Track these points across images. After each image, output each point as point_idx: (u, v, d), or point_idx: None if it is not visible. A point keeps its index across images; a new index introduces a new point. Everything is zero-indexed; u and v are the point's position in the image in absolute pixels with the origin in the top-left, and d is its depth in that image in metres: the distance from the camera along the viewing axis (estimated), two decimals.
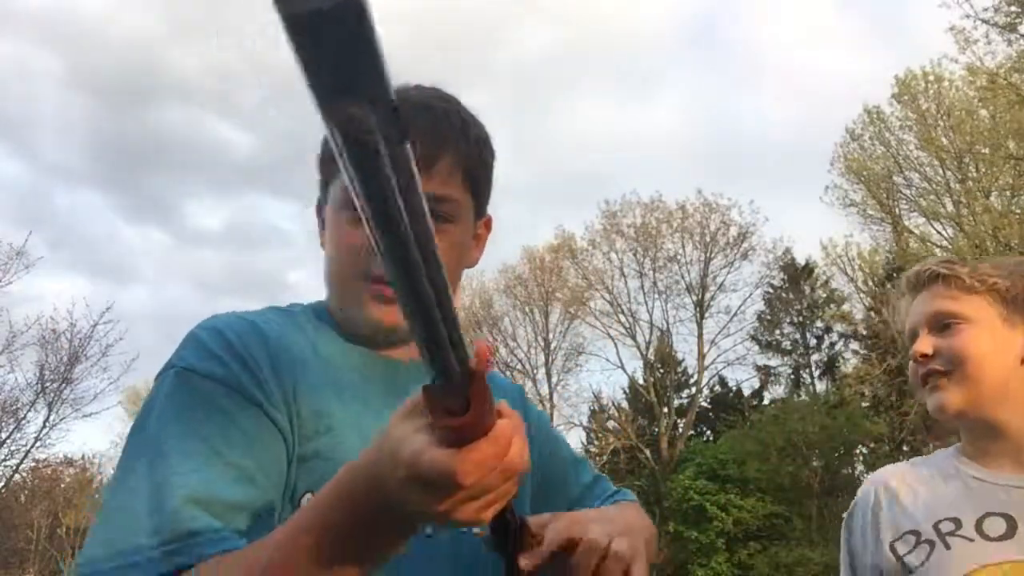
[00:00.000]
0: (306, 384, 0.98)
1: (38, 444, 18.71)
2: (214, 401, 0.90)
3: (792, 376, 28.00)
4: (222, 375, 0.92)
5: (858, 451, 25.40)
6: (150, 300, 51.98)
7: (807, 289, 27.76)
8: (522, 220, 47.76)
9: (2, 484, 20.22)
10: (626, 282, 28.49)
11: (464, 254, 1.11)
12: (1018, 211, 20.54)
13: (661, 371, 28.25)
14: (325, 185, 1.11)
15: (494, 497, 0.70)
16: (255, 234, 54.69)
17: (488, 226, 1.17)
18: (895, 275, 24.24)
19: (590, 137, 46.55)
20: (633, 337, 28.50)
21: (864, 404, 24.59)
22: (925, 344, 1.42)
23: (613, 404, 29.49)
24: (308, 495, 0.92)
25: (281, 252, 55.66)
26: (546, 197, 48.65)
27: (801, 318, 27.73)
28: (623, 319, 28.59)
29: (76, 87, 51.70)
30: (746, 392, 28.66)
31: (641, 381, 28.28)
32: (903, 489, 1.44)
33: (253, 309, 1.07)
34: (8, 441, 18.30)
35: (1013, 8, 18.08)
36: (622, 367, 28.93)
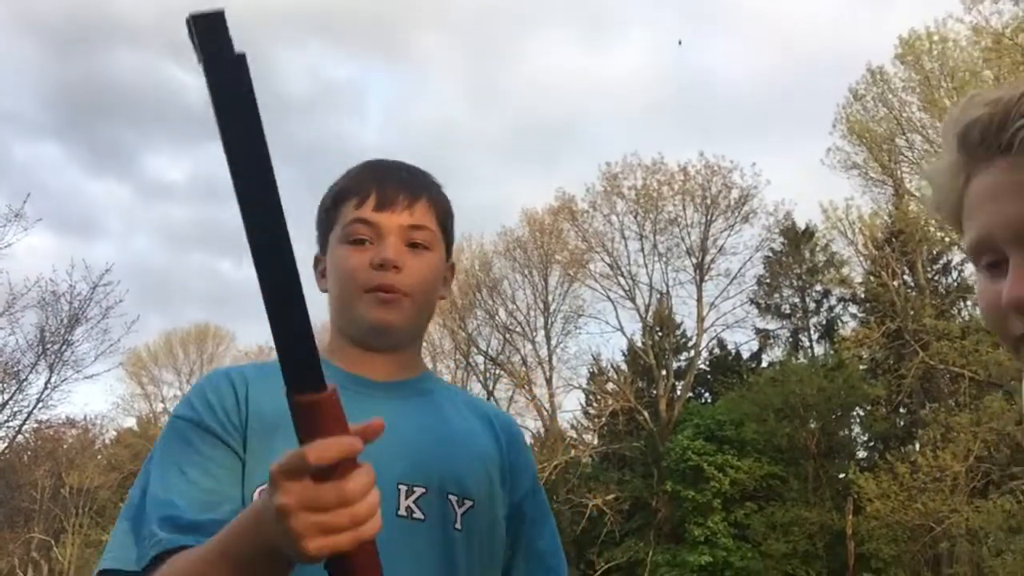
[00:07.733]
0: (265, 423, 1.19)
1: (40, 405, 18.85)
2: (184, 435, 1.19)
3: (791, 339, 28.10)
4: (190, 416, 1.20)
5: (855, 413, 25.58)
6: (118, 255, 51.04)
7: (807, 253, 27.72)
8: (484, 173, 46.92)
9: (5, 445, 20.40)
10: (626, 244, 28.44)
11: (438, 281, 1.31)
12: None
13: (660, 334, 28.31)
14: (324, 237, 1.31)
15: (334, 528, 0.79)
16: (219, 186, 53.97)
17: (452, 271, 1.37)
18: (895, 239, 24.19)
19: (555, 88, 45.37)
20: (633, 300, 28.54)
21: (862, 367, 24.67)
22: None
23: (612, 366, 29.61)
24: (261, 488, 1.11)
25: None
26: (508, 149, 47.54)
27: (801, 281, 27.73)
28: (623, 282, 28.60)
29: (23, 31, 49.58)
30: (745, 355, 28.82)
31: (640, 344, 28.35)
32: None
33: (262, 362, 1.32)
34: (10, 402, 18.43)
35: None
36: (621, 330, 29.02)
